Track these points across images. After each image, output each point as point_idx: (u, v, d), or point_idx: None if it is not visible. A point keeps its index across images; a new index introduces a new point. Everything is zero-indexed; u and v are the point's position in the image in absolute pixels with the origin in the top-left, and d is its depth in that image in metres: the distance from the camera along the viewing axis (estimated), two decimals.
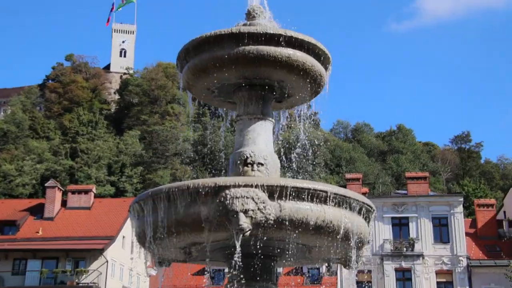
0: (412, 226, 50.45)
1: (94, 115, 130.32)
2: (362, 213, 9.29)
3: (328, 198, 8.72)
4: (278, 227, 8.58)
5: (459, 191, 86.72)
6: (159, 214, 8.96)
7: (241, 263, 8.61)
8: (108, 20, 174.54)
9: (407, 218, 50.78)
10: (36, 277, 48.22)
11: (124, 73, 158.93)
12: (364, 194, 49.60)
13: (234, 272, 8.93)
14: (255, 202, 8.35)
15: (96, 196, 59.62)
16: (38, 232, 50.62)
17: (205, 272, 44.76)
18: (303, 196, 8.58)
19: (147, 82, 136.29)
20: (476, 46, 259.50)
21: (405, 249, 49.63)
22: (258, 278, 9.49)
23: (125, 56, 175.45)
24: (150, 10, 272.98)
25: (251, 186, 8.43)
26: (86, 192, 56.50)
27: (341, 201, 8.89)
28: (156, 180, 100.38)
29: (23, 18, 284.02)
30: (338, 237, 8.99)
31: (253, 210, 8.33)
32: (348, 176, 58.18)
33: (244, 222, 8.31)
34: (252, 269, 9.39)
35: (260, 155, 10.06)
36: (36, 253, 48.64)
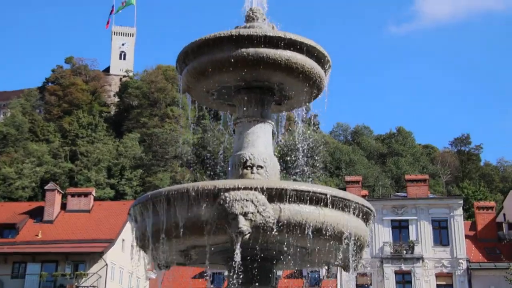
0: (412, 228, 50.41)
1: (93, 117, 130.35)
2: (361, 215, 9.28)
3: (327, 201, 8.70)
4: (278, 230, 8.56)
5: (458, 193, 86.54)
6: (158, 217, 8.94)
7: (240, 266, 8.59)
8: (107, 23, 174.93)
9: (406, 220, 50.74)
10: (36, 281, 48.10)
11: (124, 76, 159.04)
12: (363, 196, 49.54)
13: (233, 275, 8.90)
14: (254, 205, 8.33)
15: (95, 199, 59.52)
16: (37, 235, 50.53)
17: (205, 276, 44.72)
18: (302, 199, 8.56)
19: (147, 84, 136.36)
20: (476, 49, 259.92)
21: (405, 251, 49.59)
22: (257, 281, 9.47)
23: (124, 58, 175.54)
24: (150, 13, 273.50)
25: (251, 189, 8.41)
26: (86, 195, 56.40)
27: (341, 204, 8.87)
28: (156, 183, 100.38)
29: (22, 21, 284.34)
30: (337, 239, 8.97)
31: (252, 213, 8.31)
32: (347, 178, 58.15)
33: (244, 225, 8.29)
34: (251, 272, 9.37)
35: (260, 157, 10.05)
36: (35, 256, 48.53)
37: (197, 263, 10.52)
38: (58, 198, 54.78)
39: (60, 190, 56.54)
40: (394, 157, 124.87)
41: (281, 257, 9.80)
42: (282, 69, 9.93)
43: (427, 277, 49.11)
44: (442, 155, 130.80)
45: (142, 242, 9.48)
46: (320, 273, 50.16)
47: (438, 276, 49.35)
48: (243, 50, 9.74)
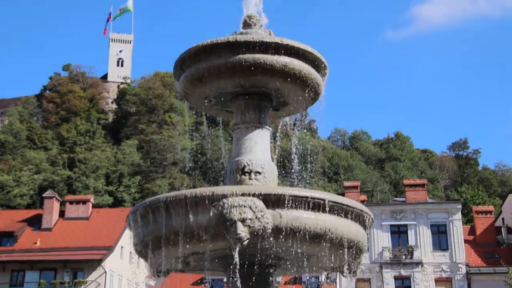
0: (410, 233, 50.39)
1: (91, 125, 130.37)
2: (360, 220, 9.27)
3: (326, 206, 8.69)
4: (276, 236, 8.55)
5: (457, 198, 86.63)
6: (156, 224, 8.93)
7: (239, 273, 8.57)
8: (105, 30, 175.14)
9: (405, 225, 50.72)
10: None
11: (122, 83, 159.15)
12: (362, 202, 49.54)
13: (232, 282, 8.88)
14: (252, 211, 8.32)
15: (94, 206, 59.49)
16: (36, 243, 50.45)
17: (205, 282, 44.65)
18: (301, 205, 8.54)
19: (145, 91, 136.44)
20: (473, 53, 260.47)
21: (404, 256, 49.55)
22: (256, 287, 9.44)
23: (122, 65, 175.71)
24: (147, 20, 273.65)
25: (249, 195, 8.39)
26: (84, 202, 56.37)
27: (339, 209, 8.86)
28: (154, 189, 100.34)
29: (20, 29, 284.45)
30: (336, 245, 8.96)
31: (251, 219, 8.30)
32: (346, 184, 58.17)
33: (242, 231, 8.28)
34: (250, 278, 9.34)
35: (258, 163, 10.05)
36: (34, 264, 48.45)
37: (196, 269, 10.50)
38: (56, 205, 54.74)
39: (58, 198, 56.53)
40: (393, 162, 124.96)
41: (280, 263, 9.79)
42: (279, 75, 9.93)
43: (426, 282, 49.06)
44: (440, 159, 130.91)
45: (141, 249, 9.46)
46: (320, 279, 50.07)
47: (437, 281, 49.30)
48: (240, 56, 9.74)
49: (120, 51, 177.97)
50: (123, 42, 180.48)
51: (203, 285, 50.18)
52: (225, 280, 10.00)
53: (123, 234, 50.01)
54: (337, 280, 48.74)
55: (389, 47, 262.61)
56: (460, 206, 52.06)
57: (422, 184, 54.84)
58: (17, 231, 51.88)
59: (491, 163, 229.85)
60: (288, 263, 9.77)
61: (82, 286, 47.73)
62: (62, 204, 57.14)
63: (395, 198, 69.95)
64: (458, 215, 50.87)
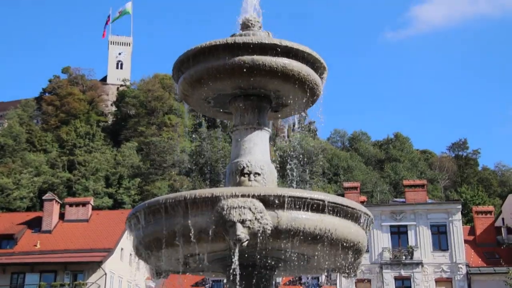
0: (410, 234, 50.38)
1: (91, 127, 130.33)
2: (359, 221, 9.28)
3: (325, 207, 8.70)
4: (276, 237, 8.56)
5: (457, 198, 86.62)
6: (156, 226, 8.94)
7: (239, 274, 8.58)
8: (104, 33, 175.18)
9: (405, 226, 50.72)
10: None
11: (121, 85, 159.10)
12: (362, 202, 49.56)
13: (232, 283, 8.90)
14: (252, 212, 8.33)
15: (94, 208, 59.44)
16: (36, 246, 50.42)
17: (203, 283, 44.64)
18: (300, 206, 8.55)
19: (144, 93, 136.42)
20: (472, 53, 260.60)
21: (404, 257, 49.54)
22: None
23: (121, 68, 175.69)
24: (146, 22, 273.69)
25: (248, 196, 8.40)
26: (84, 204, 56.31)
27: (338, 210, 8.87)
28: (154, 191, 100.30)
29: (19, 31, 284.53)
30: (335, 246, 8.97)
31: (250, 220, 8.31)
32: (346, 185, 58.15)
33: (242, 232, 8.29)
34: (250, 280, 9.36)
35: (257, 165, 10.06)
36: (34, 266, 48.39)
37: (195, 271, 10.52)
38: (56, 208, 54.69)
39: (58, 200, 56.47)
40: (392, 163, 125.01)
41: (280, 263, 9.80)
42: (278, 76, 9.95)
43: (426, 282, 49.05)
44: (440, 160, 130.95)
45: (141, 250, 9.47)
46: (320, 280, 50.11)
47: (437, 281, 49.28)
48: (239, 57, 9.76)
49: (120, 54, 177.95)
50: (123, 45, 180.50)
51: (203, 287, 50.17)
52: (225, 281, 10.00)
53: (123, 236, 49.94)
54: (338, 281, 48.75)
55: (388, 48, 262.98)
56: (460, 207, 52.05)
57: (422, 184, 54.85)
58: (17, 233, 51.86)
59: (491, 163, 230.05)
60: (287, 264, 9.78)
61: None
62: (62, 206, 57.10)
63: (395, 199, 69.93)
64: (458, 216, 50.87)
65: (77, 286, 47.65)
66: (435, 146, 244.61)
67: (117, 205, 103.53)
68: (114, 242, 50.93)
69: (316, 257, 9.46)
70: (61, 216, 55.01)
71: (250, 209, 8.32)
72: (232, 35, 10.37)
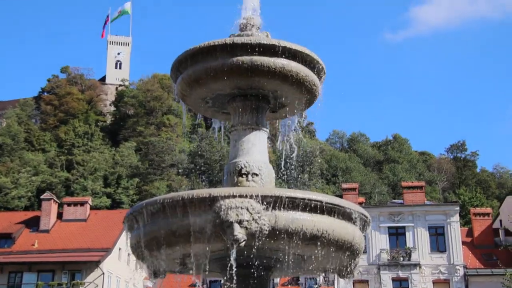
0: (408, 235, 50.43)
1: (89, 127, 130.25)
2: (356, 222, 9.29)
3: (322, 208, 8.70)
4: (273, 238, 8.56)
5: (455, 200, 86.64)
6: (153, 226, 8.95)
7: (236, 274, 8.59)
8: (103, 33, 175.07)
9: (403, 227, 50.76)
10: None
11: (120, 85, 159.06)
12: (360, 203, 49.62)
13: (229, 283, 8.90)
14: (249, 213, 8.33)
15: (92, 208, 59.44)
16: (33, 245, 50.42)
17: (196, 285, 44.39)
18: (297, 206, 8.56)
19: (143, 93, 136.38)
20: (471, 55, 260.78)
21: (402, 258, 49.59)
22: None
23: (120, 67, 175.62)
24: (145, 22, 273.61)
25: (246, 196, 8.40)
26: (82, 204, 56.31)
27: (336, 211, 8.88)
28: (153, 191, 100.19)
29: (18, 31, 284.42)
30: (333, 246, 8.98)
31: (247, 221, 8.31)
32: (344, 186, 58.20)
33: (239, 232, 8.29)
34: (247, 280, 9.36)
35: (255, 165, 10.07)
36: (31, 265, 48.38)
37: (193, 271, 10.49)
38: (54, 207, 54.69)
39: (56, 200, 56.47)
40: (391, 164, 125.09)
41: (277, 264, 9.80)
42: (277, 77, 9.96)
43: (424, 283, 49.10)
44: (438, 161, 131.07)
45: (138, 250, 9.47)
46: (317, 280, 50.12)
47: (435, 282, 49.32)
48: (237, 58, 9.77)
49: (118, 54, 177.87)
50: (121, 45, 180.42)
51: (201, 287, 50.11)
52: (222, 281, 10.01)
53: (121, 236, 49.96)
54: (335, 282, 48.76)
55: (387, 49, 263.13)
56: (458, 208, 52.10)
57: (420, 186, 54.93)
58: (15, 232, 51.85)
59: (489, 165, 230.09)
60: (285, 264, 9.78)
61: None
62: (60, 206, 57.10)
63: (393, 200, 69.96)
64: (456, 217, 50.93)
65: (75, 285, 47.63)
66: (433, 147, 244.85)
67: (116, 205, 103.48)
68: (112, 241, 50.94)
69: (313, 258, 9.46)
70: (59, 215, 55.02)
71: (247, 209, 8.33)
72: (231, 36, 10.38)
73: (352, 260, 9.71)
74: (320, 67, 10.46)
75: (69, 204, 56.33)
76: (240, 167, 10.05)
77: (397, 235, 50.85)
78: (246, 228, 8.31)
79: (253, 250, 8.69)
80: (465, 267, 49.16)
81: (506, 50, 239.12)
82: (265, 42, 9.82)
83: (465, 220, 75.00)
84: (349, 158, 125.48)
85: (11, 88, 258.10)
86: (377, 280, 49.48)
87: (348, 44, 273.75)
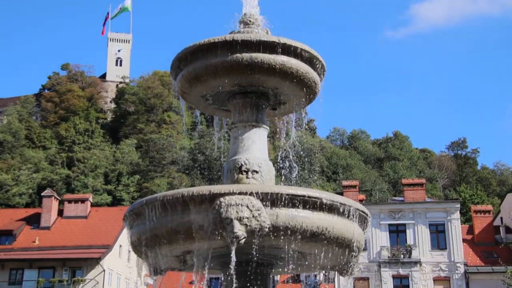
0: (409, 232, 50.43)
1: (90, 124, 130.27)
2: (357, 219, 9.27)
3: (323, 205, 8.69)
4: (273, 235, 8.54)
5: (456, 197, 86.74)
6: (153, 223, 8.94)
7: (236, 271, 8.58)
8: (103, 30, 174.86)
9: (404, 225, 50.76)
10: (33, 287, 48.02)
11: (120, 82, 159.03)
12: (361, 201, 49.61)
13: (229, 280, 8.90)
14: (249, 210, 8.32)
15: (92, 205, 59.52)
16: (34, 242, 50.47)
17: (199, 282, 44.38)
18: (298, 203, 8.54)
19: (143, 90, 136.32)
20: (472, 52, 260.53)
21: (402, 256, 49.59)
22: (254, 286, 9.45)
23: (121, 65, 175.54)
24: (146, 19, 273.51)
25: (246, 193, 8.39)
26: (83, 201, 56.38)
27: (336, 208, 8.86)
28: (153, 188, 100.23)
29: (19, 28, 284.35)
30: (333, 244, 8.97)
31: (248, 218, 8.30)
32: (345, 183, 58.19)
33: (239, 229, 8.28)
34: (247, 277, 9.36)
35: (255, 162, 10.06)
36: (32, 262, 48.45)
37: (193, 268, 10.49)
38: (55, 204, 54.75)
39: (57, 197, 56.53)
40: (391, 162, 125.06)
41: (277, 261, 9.80)
42: (277, 74, 9.94)
43: (424, 281, 49.12)
44: (439, 159, 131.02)
45: (138, 247, 9.47)
46: (318, 278, 50.12)
47: (435, 280, 49.34)
48: (237, 55, 9.75)
49: (119, 51, 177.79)
50: (122, 42, 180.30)
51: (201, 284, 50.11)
52: (222, 278, 10.01)
53: (122, 233, 50.03)
54: (336, 279, 48.77)
55: (388, 46, 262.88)
56: (458, 206, 52.11)
57: (421, 183, 54.92)
58: (16, 229, 51.90)
59: (490, 162, 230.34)
60: (285, 261, 9.78)
61: (81, 285, 47.76)
62: (61, 203, 57.16)
63: (394, 198, 70.02)
64: (457, 215, 50.92)
65: (76, 282, 47.69)
66: (434, 145, 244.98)
67: (116, 202, 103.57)
68: (113, 239, 50.99)
69: (313, 255, 9.45)
70: (60, 212, 55.08)
71: (247, 206, 8.32)
72: (231, 33, 10.37)
73: (352, 258, 9.69)
74: (320, 64, 10.45)
75: (69, 201, 56.40)
76: (240, 164, 10.04)
77: (397, 232, 50.85)
78: (246, 225, 8.30)
79: (253, 247, 8.68)
80: (465, 264, 49.17)
81: (507, 47, 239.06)
82: (265, 39, 9.80)
83: (466, 218, 74.97)
84: (349, 155, 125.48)
85: (11, 85, 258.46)
86: (377, 277, 49.51)
87: (349, 41, 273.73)
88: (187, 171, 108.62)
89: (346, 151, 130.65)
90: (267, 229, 8.45)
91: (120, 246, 51.77)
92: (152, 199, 8.98)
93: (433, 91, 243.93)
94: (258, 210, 8.36)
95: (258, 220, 8.35)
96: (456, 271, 49.05)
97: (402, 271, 49.33)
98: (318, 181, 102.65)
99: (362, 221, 9.45)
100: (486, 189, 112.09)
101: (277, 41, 9.81)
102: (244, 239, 8.35)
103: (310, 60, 10.22)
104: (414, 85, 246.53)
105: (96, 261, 48.13)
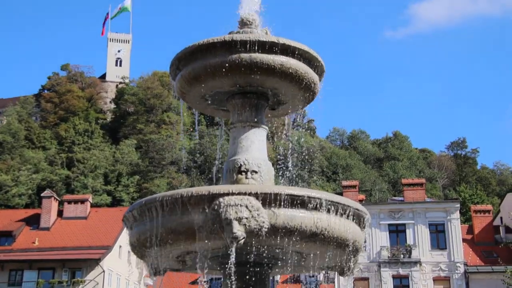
0: (409, 232, 50.42)
1: (90, 124, 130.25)
2: (356, 219, 9.27)
3: (322, 205, 8.68)
4: (273, 235, 8.53)
5: (455, 197, 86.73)
6: (152, 223, 8.92)
7: (235, 272, 8.56)
8: (102, 30, 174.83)
9: (404, 224, 50.75)
10: None
11: (120, 82, 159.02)
12: (360, 201, 49.61)
13: (229, 281, 8.89)
14: (249, 210, 8.30)
15: (92, 205, 59.47)
16: (34, 243, 50.44)
17: (200, 281, 44.44)
18: (297, 204, 8.53)
19: (143, 91, 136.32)
20: (472, 52, 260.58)
21: (402, 256, 49.58)
22: (253, 286, 9.44)
23: (120, 65, 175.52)
24: (146, 19, 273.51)
25: (245, 194, 8.37)
26: (83, 201, 56.35)
27: (335, 208, 8.85)
28: (153, 189, 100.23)
29: (18, 28, 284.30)
30: (332, 244, 8.96)
31: (247, 218, 8.28)
32: (344, 183, 58.16)
33: (238, 230, 8.26)
34: (247, 278, 9.35)
35: (254, 162, 10.05)
36: (32, 263, 48.42)
37: (192, 268, 10.50)
38: (54, 205, 54.71)
39: (56, 197, 56.50)
40: (391, 162, 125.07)
41: (277, 262, 9.78)
42: (276, 74, 9.93)
43: (424, 281, 49.11)
44: (438, 159, 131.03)
45: (137, 248, 9.46)
46: (318, 278, 50.11)
47: (435, 280, 49.32)
48: (236, 55, 9.74)
49: (119, 51, 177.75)
50: (122, 42, 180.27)
51: (200, 285, 50.14)
52: (222, 279, 10.00)
53: (121, 234, 50.00)
54: (336, 279, 48.77)
55: (387, 47, 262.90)
56: (458, 205, 52.09)
57: (421, 183, 54.90)
58: (15, 230, 51.86)
59: (490, 162, 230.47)
60: (284, 262, 9.77)
61: (80, 286, 47.73)
62: (61, 203, 57.13)
63: (394, 197, 69.98)
64: (457, 214, 50.90)
65: (75, 283, 47.67)
66: (434, 145, 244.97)
67: (116, 202, 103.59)
68: (113, 239, 50.97)
69: (313, 255, 9.44)
70: (60, 213, 55.05)
71: (246, 207, 8.30)
72: (230, 33, 10.35)
73: (352, 258, 9.68)
74: (320, 64, 10.45)
75: (69, 202, 56.37)
76: (239, 165, 10.03)
77: (397, 232, 50.84)
78: (245, 225, 8.29)
79: (253, 247, 8.67)
80: (465, 264, 49.16)
81: (506, 47, 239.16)
82: (264, 39, 9.79)
83: (466, 217, 74.98)
84: (349, 156, 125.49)
85: (11, 86, 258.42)
86: (377, 277, 49.49)
87: (348, 41, 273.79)
88: (187, 172, 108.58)
89: (346, 151, 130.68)
90: (266, 230, 8.44)
91: (120, 246, 51.74)
92: (151, 199, 8.96)
93: (433, 91, 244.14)
94: (257, 211, 8.35)
95: (257, 221, 8.34)
96: (456, 271, 49.04)
97: (402, 271, 49.32)
98: (318, 181, 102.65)
99: (362, 221, 9.44)
100: (486, 189, 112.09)
101: (276, 41, 9.80)
102: (243, 240, 8.33)
103: (309, 60, 10.22)
104: (414, 85, 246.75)
105: (96, 262, 48.10)
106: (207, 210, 8.42)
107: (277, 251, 9.16)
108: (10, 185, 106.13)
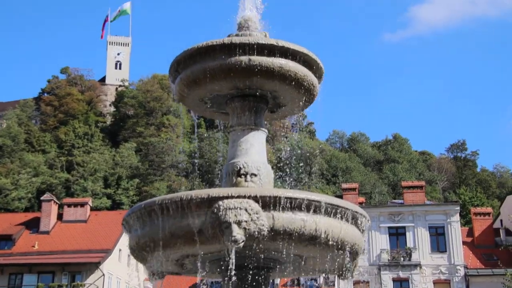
0: (409, 235, 50.40)
1: (89, 127, 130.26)
2: (356, 222, 9.25)
3: (322, 208, 8.66)
4: (272, 238, 8.52)
5: (455, 199, 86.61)
6: (152, 227, 8.91)
7: (235, 275, 8.54)
8: (102, 33, 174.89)
9: (403, 227, 50.73)
10: None
11: (120, 85, 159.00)
12: (360, 204, 49.61)
13: (228, 284, 8.87)
14: (248, 213, 8.29)
15: (92, 209, 59.38)
16: (34, 246, 50.35)
17: (201, 285, 44.37)
18: (296, 207, 8.51)
19: (143, 94, 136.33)
20: (471, 55, 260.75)
21: (402, 258, 49.56)
22: None
23: (120, 68, 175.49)
24: (145, 22, 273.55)
25: (244, 197, 8.35)
26: (82, 205, 56.27)
27: (335, 211, 8.83)
28: (153, 192, 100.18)
29: (18, 32, 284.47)
30: (332, 247, 8.94)
31: (246, 221, 8.27)
32: (344, 186, 58.18)
33: (238, 233, 8.24)
34: (246, 281, 9.33)
35: (253, 165, 10.04)
36: (32, 267, 48.34)
37: (192, 272, 10.48)
38: (54, 208, 54.64)
39: (56, 201, 56.41)
40: (391, 164, 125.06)
41: (276, 265, 9.77)
42: (275, 77, 9.92)
43: (424, 284, 49.06)
44: (438, 161, 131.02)
45: (137, 251, 9.44)
46: (318, 281, 50.08)
47: (435, 283, 49.29)
48: (235, 58, 9.73)
49: (118, 54, 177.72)
50: (121, 45, 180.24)
51: None
52: (221, 282, 9.98)
53: (121, 237, 49.91)
54: (335, 283, 48.71)
55: (387, 49, 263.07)
56: (458, 208, 52.08)
57: (420, 186, 54.88)
58: (15, 234, 51.78)
59: (490, 164, 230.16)
60: (284, 265, 9.75)
61: None
62: (60, 207, 57.04)
63: (393, 200, 69.91)
64: (456, 217, 50.89)
65: (75, 287, 47.60)
66: (433, 147, 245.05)
67: (116, 205, 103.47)
68: (113, 243, 50.89)
69: (312, 258, 9.43)
70: (59, 216, 54.98)
71: (246, 210, 8.29)
72: (229, 35, 10.35)
73: (352, 261, 9.67)
74: (319, 67, 10.44)
75: (69, 205, 56.29)
76: (238, 168, 10.01)
77: (397, 235, 50.82)
78: (245, 228, 8.27)
79: (252, 251, 8.65)
80: (465, 267, 49.13)
81: (506, 49, 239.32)
82: (263, 42, 9.78)
83: (466, 220, 74.92)
84: (349, 158, 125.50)
85: (11, 89, 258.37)
86: (377, 280, 49.45)
87: (348, 44, 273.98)
88: (187, 175, 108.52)
89: (346, 153, 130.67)
90: (265, 233, 8.42)
91: (120, 250, 51.66)
92: (151, 203, 8.94)
93: (433, 93, 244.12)
94: (257, 214, 8.33)
95: (256, 224, 8.32)
96: (456, 274, 49.01)
97: (402, 274, 49.28)
98: (318, 184, 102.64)
99: (361, 224, 9.42)
100: (486, 191, 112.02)
101: (275, 44, 9.80)
102: (242, 243, 8.32)
103: (309, 63, 10.21)
104: (413, 88, 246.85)
105: (95, 265, 48.02)
106: (206, 214, 8.41)
107: (277, 254, 9.14)
108: (9, 188, 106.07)
